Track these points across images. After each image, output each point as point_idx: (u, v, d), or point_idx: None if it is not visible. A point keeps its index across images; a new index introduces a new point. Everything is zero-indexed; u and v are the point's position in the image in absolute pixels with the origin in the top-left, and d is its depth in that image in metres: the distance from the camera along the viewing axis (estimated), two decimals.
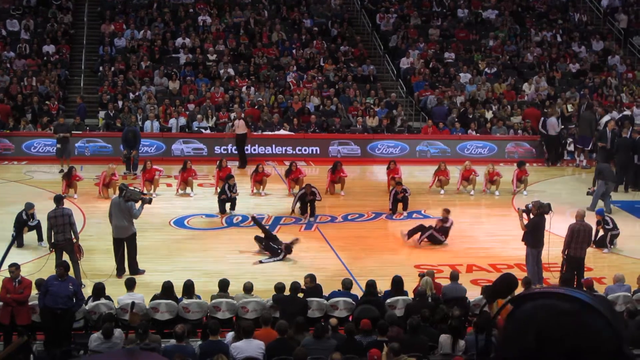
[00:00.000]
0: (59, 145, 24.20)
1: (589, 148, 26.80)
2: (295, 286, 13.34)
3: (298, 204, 20.33)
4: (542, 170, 26.71)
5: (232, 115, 27.12)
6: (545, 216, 15.51)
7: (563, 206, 20.04)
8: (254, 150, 26.78)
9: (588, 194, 21.22)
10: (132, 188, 16.49)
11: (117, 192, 20.63)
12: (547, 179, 25.37)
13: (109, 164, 22.29)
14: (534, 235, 15.41)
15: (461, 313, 12.52)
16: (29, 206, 17.34)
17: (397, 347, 10.34)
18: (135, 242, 15.74)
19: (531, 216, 15.62)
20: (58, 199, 15.64)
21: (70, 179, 21.28)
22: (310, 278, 13.79)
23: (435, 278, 14.29)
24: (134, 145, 24.05)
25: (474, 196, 22.75)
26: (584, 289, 14.16)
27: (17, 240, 16.67)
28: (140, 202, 15.57)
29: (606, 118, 26.98)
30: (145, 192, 19.46)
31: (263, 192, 22.21)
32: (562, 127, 27.68)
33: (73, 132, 25.02)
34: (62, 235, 14.92)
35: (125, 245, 15.59)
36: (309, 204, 20.18)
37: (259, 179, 22.30)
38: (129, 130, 24.42)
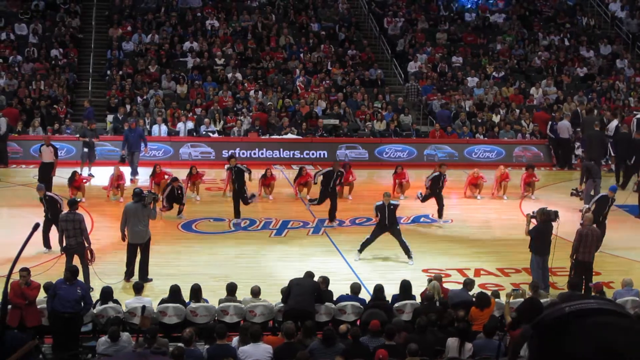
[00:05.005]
0: (85, 150, 24.09)
1: None
2: (310, 273, 13.60)
3: (321, 178, 20.06)
4: (551, 174, 26.66)
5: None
6: (553, 224, 15.44)
7: (570, 210, 19.99)
8: (262, 154, 26.81)
9: (572, 194, 21.00)
10: (144, 191, 16.54)
11: (122, 194, 20.96)
12: (556, 183, 25.30)
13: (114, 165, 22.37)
14: (539, 242, 15.35)
15: (465, 315, 12.51)
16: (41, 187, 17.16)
17: (415, 348, 10.37)
18: (149, 247, 15.69)
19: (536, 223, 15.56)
20: (72, 203, 15.43)
21: (74, 183, 21.19)
22: (323, 279, 13.79)
23: (442, 282, 14.27)
24: (138, 145, 23.93)
25: (481, 200, 22.68)
26: (594, 293, 14.12)
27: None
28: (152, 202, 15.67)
29: (615, 122, 26.88)
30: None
31: (271, 196, 22.20)
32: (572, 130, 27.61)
33: (79, 135, 24.93)
34: (75, 240, 14.82)
35: (139, 250, 15.53)
36: (329, 212, 20.00)
37: (267, 184, 22.28)
38: (130, 130, 24.16)
